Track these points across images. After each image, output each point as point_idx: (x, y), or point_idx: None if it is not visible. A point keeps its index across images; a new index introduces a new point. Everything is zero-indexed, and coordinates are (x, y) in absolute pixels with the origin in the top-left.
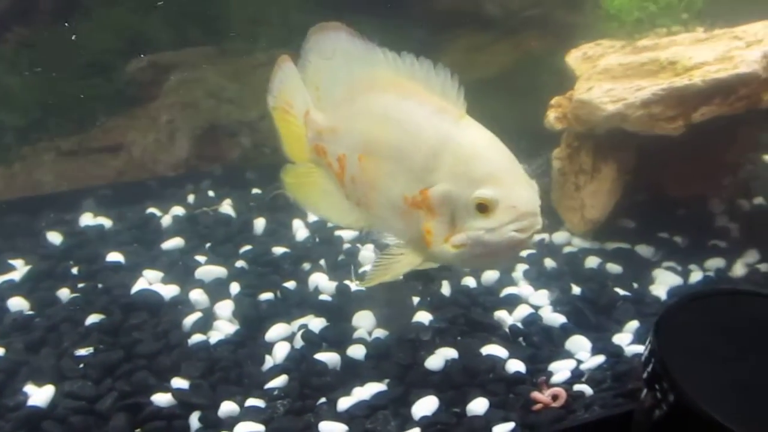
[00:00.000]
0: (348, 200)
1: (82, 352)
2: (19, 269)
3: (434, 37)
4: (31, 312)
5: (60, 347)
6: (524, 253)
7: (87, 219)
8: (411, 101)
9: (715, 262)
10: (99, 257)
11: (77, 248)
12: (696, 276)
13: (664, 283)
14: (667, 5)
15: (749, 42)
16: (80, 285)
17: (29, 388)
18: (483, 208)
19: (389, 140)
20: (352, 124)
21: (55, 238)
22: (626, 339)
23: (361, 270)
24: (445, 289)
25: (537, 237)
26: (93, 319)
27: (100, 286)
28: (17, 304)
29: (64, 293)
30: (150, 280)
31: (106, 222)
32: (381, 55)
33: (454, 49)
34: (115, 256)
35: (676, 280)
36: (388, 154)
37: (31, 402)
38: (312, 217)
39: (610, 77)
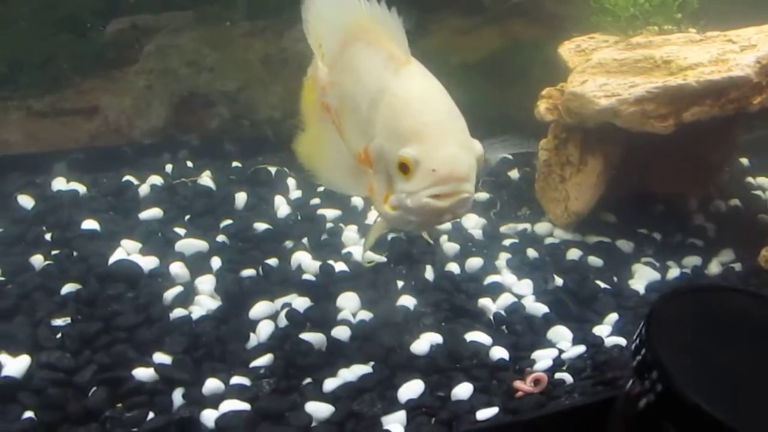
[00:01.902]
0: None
1: (58, 321)
2: None
3: (421, 17)
4: (2, 278)
5: (35, 316)
6: (507, 242)
7: (59, 183)
8: (370, 49)
9: (692, 260)
10: (73, 224)
11: (50, 213)
12: (673, 272)
13: (642, 277)
14: (662, 3)
15: (743, 46)
16: (54, 252)
17: (3, 358)
18: (405, 168)
19: (349, 90)
20: (338, 77)
21: (26, 201)
22: (606, 330)
23: (344, 251)
24: (429, 274)
25: (465, 203)
26: (69, 288)
27: (75, 254)
28: None
29: (37, 260)
30: (128, 251)
31: (80, 188)
32: (364, 3)
33: (439, 30)
34: (90, 224)
35: (654, 275)
36: (348, 106)
37: (5, 372)
38: (294, 194)
39: (604, 71)
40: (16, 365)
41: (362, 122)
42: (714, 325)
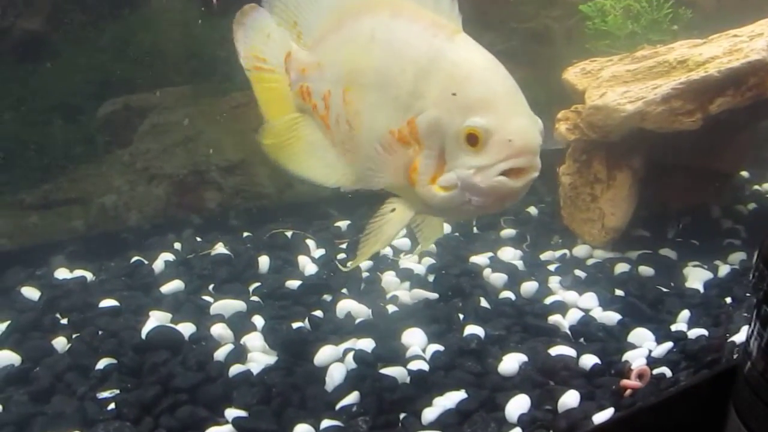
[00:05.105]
0: (335, 148)
1: (105, 394)
2: None
3: None
4: (24, 365)
5: (75, 394)
6: (551, 267)
7: (63, 273)
8: (401, 19)
9: (737, 256)
10: (90, 306)
11: (60, 299)
12: (724, 269)
13: (697, 278)
14: (653, 21)
15: (750, 36)
16: (76, 334)
17: None
18: (473, 140)
19: (374, 65)
20: (337, 54)
21: (31, 293)
22: (683, 326)
23: (389, 296)
24: (485, 303)
25: (530, 184)
26: (105, 362)
27: (100, 332)
28: (6, 357)
29: (59, 342)
30: (159, 321)
31: (87, 274)
32: None
33: None
34: (109, 302)
35: (706, 274)
36: (373, 82)
37: None
38: (317, 253)
39: (621, 82)
40: None
41: (402, 96)
42: None
